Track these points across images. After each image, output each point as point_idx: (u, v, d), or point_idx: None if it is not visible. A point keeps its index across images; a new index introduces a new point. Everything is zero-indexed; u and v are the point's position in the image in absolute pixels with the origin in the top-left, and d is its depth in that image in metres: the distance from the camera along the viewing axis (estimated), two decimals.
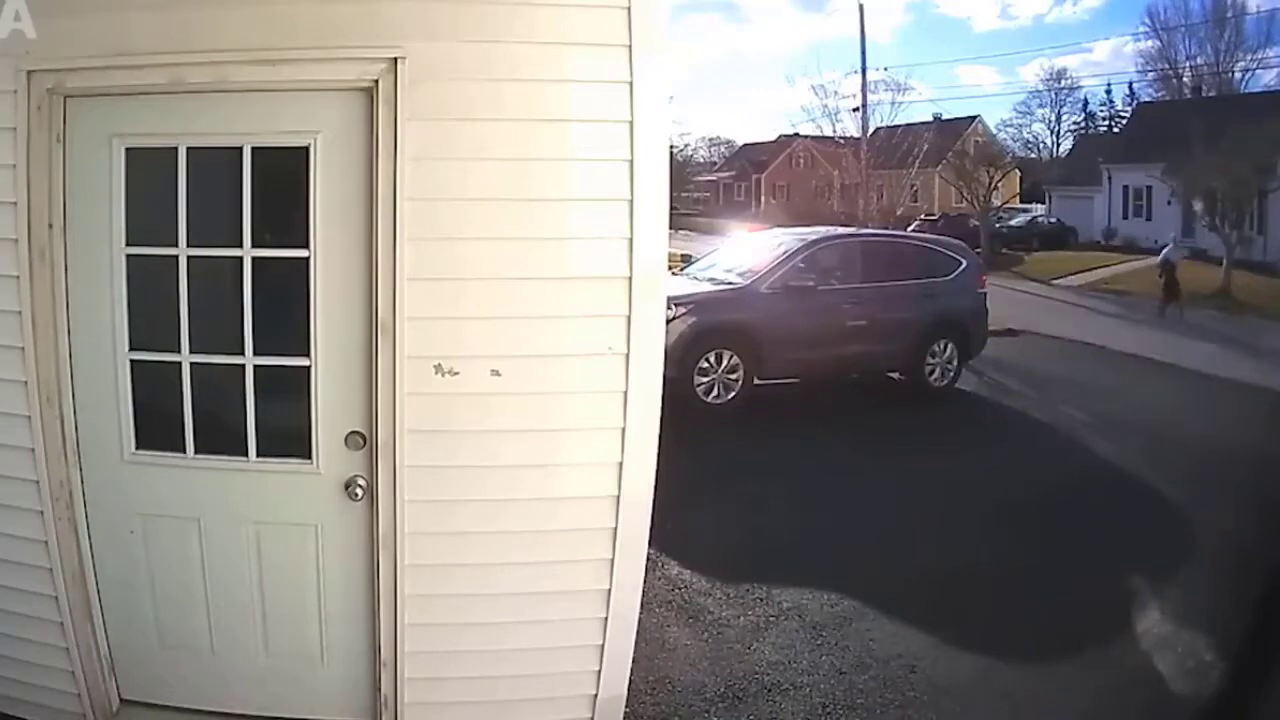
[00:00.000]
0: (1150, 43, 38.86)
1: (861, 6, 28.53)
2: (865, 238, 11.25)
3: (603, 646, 2.92)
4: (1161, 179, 25.45)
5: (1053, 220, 32.01)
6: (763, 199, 43.55)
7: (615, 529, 2.84)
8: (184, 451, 2.81)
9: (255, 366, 2.77)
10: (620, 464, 2.81)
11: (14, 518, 2.79)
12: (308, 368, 2.77)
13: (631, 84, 2.66)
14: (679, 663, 3.85)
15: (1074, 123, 45.49)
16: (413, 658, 2.89)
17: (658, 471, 2.86)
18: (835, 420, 8.21)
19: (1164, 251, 18.14)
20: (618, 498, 2.82)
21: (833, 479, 6.61)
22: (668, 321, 6.26)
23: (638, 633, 2.98)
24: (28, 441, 2.73)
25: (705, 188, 48.80)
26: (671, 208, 2.83)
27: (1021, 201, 33.97)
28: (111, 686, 2.98)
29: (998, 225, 28.31)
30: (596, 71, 2.68)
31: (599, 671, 2.94)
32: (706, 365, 8.23)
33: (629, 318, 2.75)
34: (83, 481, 2.82)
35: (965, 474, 6.73)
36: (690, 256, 12.47)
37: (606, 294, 2.74)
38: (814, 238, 9.73)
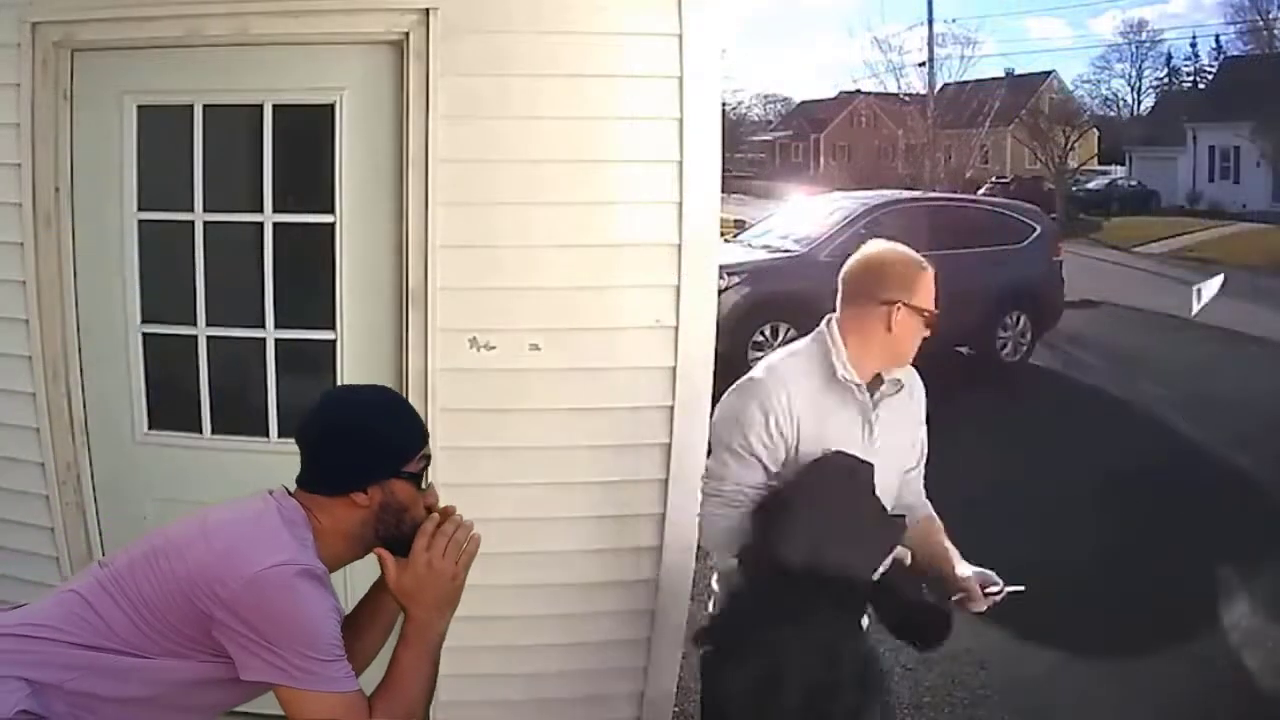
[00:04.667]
0: None
1: None
2: (932, 202, 11.08)
3: (649, 640, 2.82)
4: (1250, 139, 24.52)
5: (1133, 183, 31.35)
6: (822, 160, 42.90)
7: (664, 514, 2.74)
8: (200, 432, 2.75)
9: (277, 340, 2.70)
10: (668, 445, 2.69)
11: (18, 502, 2.75)
12: (333, 341, 2.69)
13: (681, 36, 2.56)
14: None
15: (1156, 78, 43.69)
16: (446, 653, 2.77)
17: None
18: None
19: None
20: (665, 481, 2.72)
21: None
22: (720, 292, 6.09)
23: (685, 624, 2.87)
24: (32, 420, 2.68)
25: (760, 148, 48.29)
26: (724, 170, 2.78)
27: (1100, 163, 33.30)
28: None
29: (1074, 188, 27.85)
30: (642, 24, 2.58)
31: (645, 668, 2.85)
32: (761, 339, 8.08)
33: (678, 288, 2.65)
34: (91, 464, 2.76)
35: (1038, 456, 6.46)
36: (744, 222, 12.45)
37: (654, 263, 2.65)
38: (877, 202, 9.58)
